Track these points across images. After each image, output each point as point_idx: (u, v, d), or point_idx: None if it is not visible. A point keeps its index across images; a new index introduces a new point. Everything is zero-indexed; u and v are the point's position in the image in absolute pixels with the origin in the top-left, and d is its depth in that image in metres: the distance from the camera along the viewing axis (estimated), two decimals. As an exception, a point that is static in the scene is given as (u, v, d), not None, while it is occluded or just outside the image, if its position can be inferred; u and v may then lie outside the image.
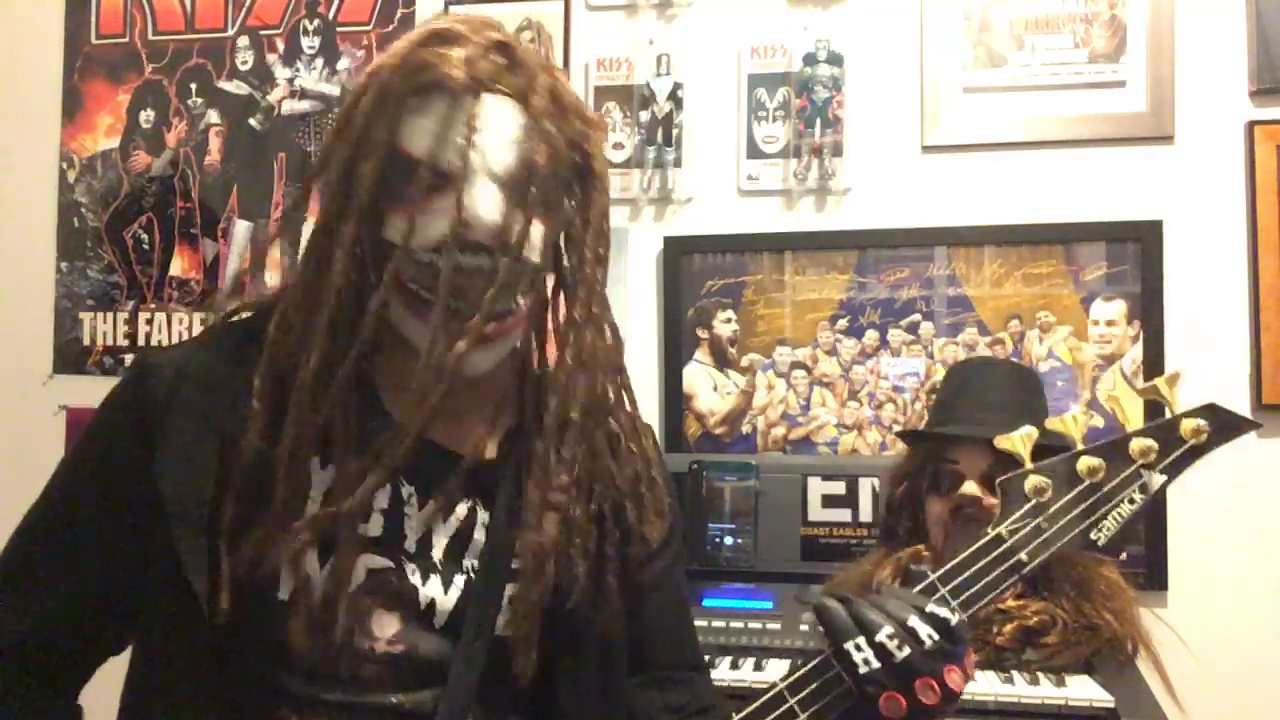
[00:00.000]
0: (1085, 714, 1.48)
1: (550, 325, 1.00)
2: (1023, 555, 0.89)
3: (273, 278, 2.44)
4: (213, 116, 2.51)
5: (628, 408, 1.00)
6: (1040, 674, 1.56)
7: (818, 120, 2.21)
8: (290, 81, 2.48)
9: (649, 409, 2.25)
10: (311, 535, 0.86)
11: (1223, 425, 0.91)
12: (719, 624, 1.72)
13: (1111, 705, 1.48)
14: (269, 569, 0.86)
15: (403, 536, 0.91)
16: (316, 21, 2.47)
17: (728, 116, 2.27)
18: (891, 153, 2.21)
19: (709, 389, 2.24)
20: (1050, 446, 0.96)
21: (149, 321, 2.49)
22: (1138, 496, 0.89)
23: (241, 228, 2.48)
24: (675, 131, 2.27)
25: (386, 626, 0.90)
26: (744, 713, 0.87)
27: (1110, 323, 2.10)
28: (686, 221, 2.27)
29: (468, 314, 0.88)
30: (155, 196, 2.52)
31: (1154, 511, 2.04)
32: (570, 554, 0.93)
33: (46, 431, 2.47)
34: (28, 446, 2.42)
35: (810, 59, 2.23)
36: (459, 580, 0.92)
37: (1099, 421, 2.07)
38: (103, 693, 0.99)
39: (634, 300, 2.27)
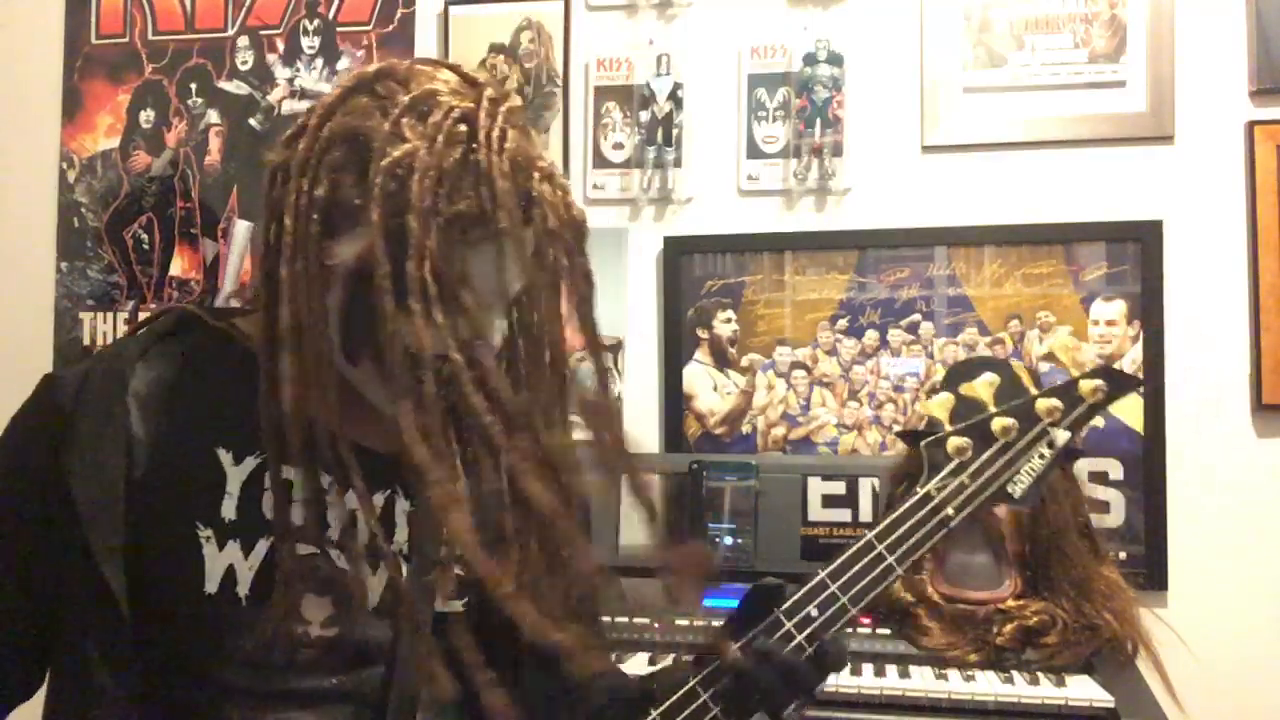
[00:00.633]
0: (1085, 714, 1.48)
1: None
2: (949, 510, 0.98)
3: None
4: (213, 116, 2.51)
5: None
6: (1040, 674, 1.57)
7: (818, 120, 2.21)
8: (290, 81, 2.48)
9: (649, 409, 2.26)
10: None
11: (1116, 384, 1.01)
12: (718, 624, 1.72)
13: (1111, 705, 1.48)
14: (193, 564, 0.88)
15: (326, 525, 0.93)
16: (316, 21, 2.47)
17: (728, 116, 2.27)
18: (891, 153, 2.21)
19: (709, 389, 2.24)
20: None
21: (149, 321, 2.49)
22: (1047, 451, 0.99)
23: (241, 228, 2.48)
24: (675, 131, 2.27)
25: (318, 611, 0.92)
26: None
27: (1110, 323, 2.10)
28: (686, 221, 2.27)
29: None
30: (155, 196, 2.52)
31: (1154, 511, 2.05)
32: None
33: (46, 431, 2.47)
34: (28, 446, 2.42)
35: (810, 59, 2.23)
36: (385, 565, 0.94)
37: (1099, 421, 2.07)
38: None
39: (634, 300, 2.27)
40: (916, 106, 2.20)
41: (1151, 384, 2.05)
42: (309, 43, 2.47)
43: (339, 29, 2.47)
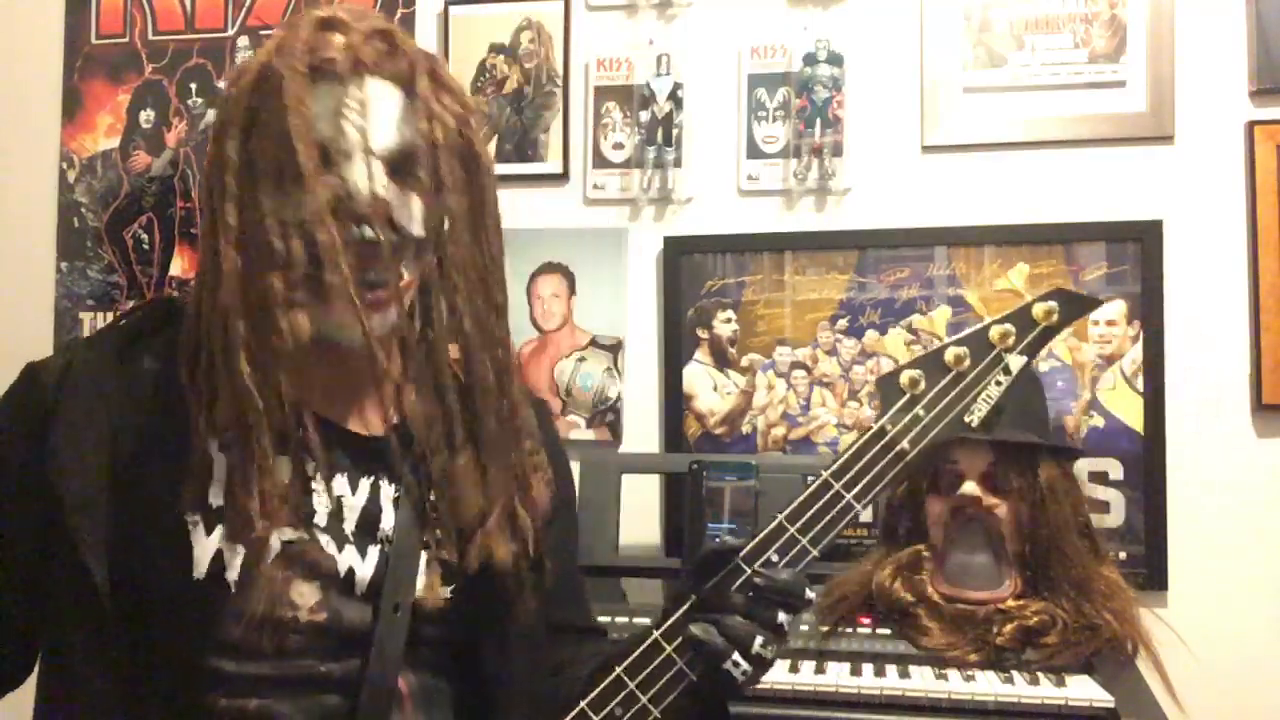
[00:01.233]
0: (1085, 714, 1.48)
1: (434, 301, 1.02)
2: (904, 444, 0.96)
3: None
4: (213, 116, 2.50)
5: (516, 381, 1.03)
6: (1040, 674, 1.56)
7: (818, 120, 2.21)
8: (290, 81, 2.47)
9: (649, 409, 2.26)
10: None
11: (1071, 305, 0.98)
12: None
13: (1111, 705, 1.48)
14: (181, 550, 0.88)
15: (312, 511, 0.94)
16: (316, 21, 2.47)
17: (728, 116, 2.27)
18: (891, 153, 2.21)
19: (709, 389, 2.24)
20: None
21: (149, 321, 2.49)
22: (1003, 378, 0.97)
23: (241, 228, 2.48)
24: (675, 131, 2.27)
25: (307, 596, 0.92)
26: (589, 698, 0.92)
27: (1110, 323, 2.10)
28: (686, 221, 2.27)
29: (372, 284, 0.92)
30: (155, 196, 2.52)
31: (1154, 511, 2.05)
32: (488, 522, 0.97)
33: (46, 431, 2.47)
34: (28, 446, 2.42)
35: (810, 59, 2.23)
36: (373, 550, 0.95)
37: (1099, 421, 2.07)
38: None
39: (634, 300, 2.27)
40: (916, 106, 2.20)
41: (1151, 384, 2.06)
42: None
43: (339, 29, 2.46)
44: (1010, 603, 1.65)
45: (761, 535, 0.95)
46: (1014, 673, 1.56)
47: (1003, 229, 2.14)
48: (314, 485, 0.94)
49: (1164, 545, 2.04)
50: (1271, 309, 2.04)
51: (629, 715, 0.91)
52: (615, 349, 2.27)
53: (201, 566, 0.89)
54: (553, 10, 2.34)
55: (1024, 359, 0.97)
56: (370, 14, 0.97)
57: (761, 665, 0.91)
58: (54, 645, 0.93)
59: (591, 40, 2.33)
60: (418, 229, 0.94)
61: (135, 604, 0.88)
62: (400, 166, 0.92)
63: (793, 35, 2.25)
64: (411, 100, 0.93)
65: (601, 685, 0.92)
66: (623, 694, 0.92)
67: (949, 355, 0.97)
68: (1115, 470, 2.07)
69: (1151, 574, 2.03)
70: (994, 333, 0.97)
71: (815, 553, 0.95)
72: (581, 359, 2.27)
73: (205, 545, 0.89)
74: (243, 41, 2.50)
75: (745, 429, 2.22)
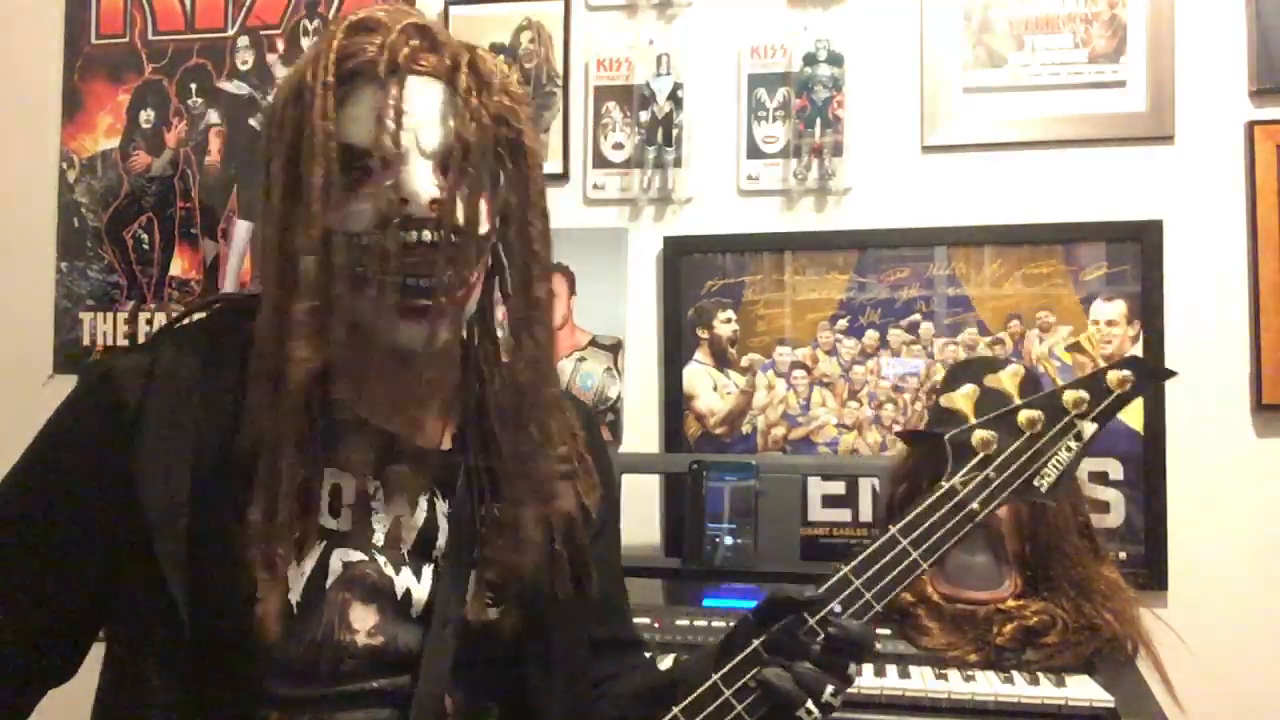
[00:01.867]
0: (1085, 714, 1.48)
1: (495, 301, 1.01)
2: (974, 505, 0.96)
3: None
4: (213, 116, 2.51)
5: (553, 384, 1.02)
6: (1040, 674, 1.56)
7: (818, 120, 2.21)
8: (290, 81, 2.48)
9: (649, 409, 2.26)
10: (291, 536, 0.87)
11: (1145, 374, 1.00)
12: (719, 624, 1.72)
13: (1111, 705, 1.48)
14: (248, 571, 0.86)
15: (371, 530, 0.93)
16: (316, 21, 2.47)
17: (727, 116, 2.27)
18: (891, 153, 2.21)
19: (709, 389, 2.24)
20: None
21: (149, 321, 2.49)
22: (1074, 444, 0.97)
23: (241, 228, 2.48)
24: (675, 131, 2.27)
25: (366, 619, 0.91)
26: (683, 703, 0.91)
27: (1110, 323, 2.10)
28: (686, 221, 2.27)
29: (423, 291, 0.90)
30: (155, 196, 2.52)
31: (1154, 511, 2.05)
32: (544, 538, 0.96)
33: (46, 431, 2.47)
34: (28, 446, 2.42)
35: (810, 59, 2.23)
36: (427, 570, 0.94)
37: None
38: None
39: (634, 300, 2.27)
40: (916, 107, 2.20)
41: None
42: (309, 43, 2.47)
43: (339, 29, 2.46)
44: (1010, 603, 1.65)
45: (826, 586, 0.94)
46: (1014, 673, 1.56)
47: (1003, 229, 2.14)
48: (374, 504, 0.93)
49: (1164, 545, 2.04)
50: (1271, 309, 2.04)
51: None
52: (615, 349, 2.27)
53: (265, 586, 0.86)
54: (553, 10, 2.34)
55: (1095, 426, 0.97)
56: (408, 11, 0.96)
57: (828, 713, 0.90)
58: (123, 653, 0.92)
59: (591, 40, 2.33)
60: (482, 227, 0.93)
61: (203, 620, 0.87)
62: (451, 164, 0.90)
63: (793, 35, 2.24)
64: (454, 95, 0.91)
65: None
66: None
67: (1023, 418, 0.97)
68: (1115, 470, 2.07)
69: (1151, 574, 2.03)
70: (1068, 398, 0.97)
71: (879, 608, 0.94)
72: (581, 359, 2.27)
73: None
74: (243, 41, 2.50)
75: (745, 429, 2.22)
